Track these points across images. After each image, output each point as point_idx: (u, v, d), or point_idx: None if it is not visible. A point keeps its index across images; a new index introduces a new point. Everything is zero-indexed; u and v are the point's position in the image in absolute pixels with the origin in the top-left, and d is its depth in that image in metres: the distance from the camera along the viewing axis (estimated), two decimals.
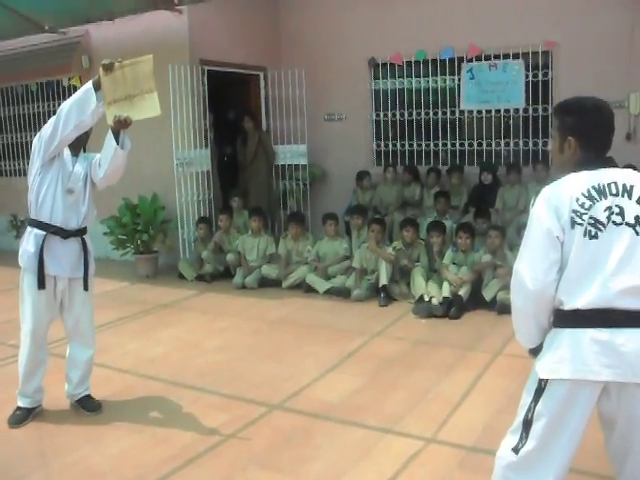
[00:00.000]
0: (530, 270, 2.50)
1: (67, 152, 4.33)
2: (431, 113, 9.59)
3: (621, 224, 2.44)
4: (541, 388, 2.53)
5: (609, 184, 2.49)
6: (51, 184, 4.25)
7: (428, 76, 9.54)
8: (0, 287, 8.27)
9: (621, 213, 2.45)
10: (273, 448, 3.98)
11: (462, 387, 4.79)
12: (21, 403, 4.49)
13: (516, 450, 2.62)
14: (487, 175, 8.62)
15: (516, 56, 8.82)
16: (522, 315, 2.64)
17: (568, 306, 2.46)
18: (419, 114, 9.68)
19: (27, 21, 9.02)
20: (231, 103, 10.43)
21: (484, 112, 9.23)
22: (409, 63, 9.60)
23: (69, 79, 10.07)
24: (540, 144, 8.88)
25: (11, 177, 11.61)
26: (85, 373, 4.60)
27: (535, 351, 2.65)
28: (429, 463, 3.73)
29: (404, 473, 3.64)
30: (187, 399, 4.75)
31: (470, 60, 9.13)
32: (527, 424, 2.59)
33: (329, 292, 7.54)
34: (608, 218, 2.45)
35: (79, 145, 4.35)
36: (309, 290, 7.69)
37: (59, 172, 4.26)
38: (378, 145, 10.04)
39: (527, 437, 2.58)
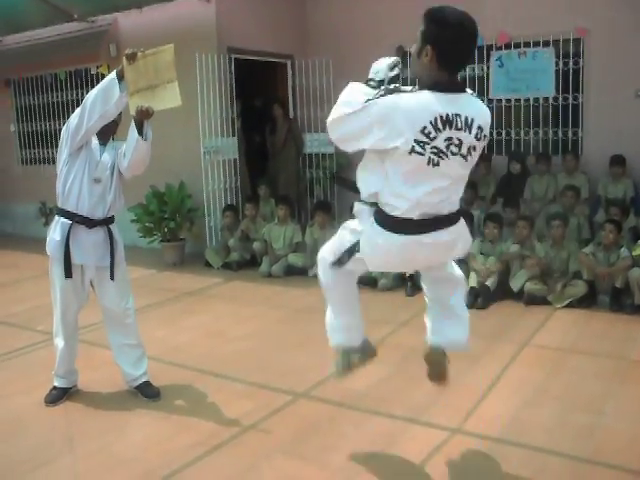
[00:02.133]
0: (338, 142, 3.12)
1: (95, 141, 4.34)
2: None
3: (456, 154, 2.79)
4: (354, 250, 3.10)
5: (455, 115, 2.73)
6: (78, 173, 4.26)
7: None
8: (29, 273, 8.40)
9: (459, 145, 2.78)
10: (298, 437, 3.98)
11: (489, 378, 4.76)
12: (57, 383, 4.61)
13: (340, 264, 3.22)
14: (516, 165, 8.51)
15: (546, 44, 8.68)
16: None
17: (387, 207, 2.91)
18: None
19: (56, 10, 9.09)
20: (258, 91, 10.43)
21: (513, 101, 9.12)
22: None
23: (97, 67, 10.14)
24: (570, 133, 8.76)
25: (40, 165, 11.73)
26: (132, 359, 4.62)
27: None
28: (455, 454, 3.71)
29: (429, 463, 3.62)
30: (212, 387, 4.77)
31: (499, 48, 9.01)
32: (351, 252, 3.13)
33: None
34: (447, 147, 2.75)
35: (107, 134, 4.36)
36: None
37: (86, 161, 4.28)
38: None
39: (349, 259, 3.15)
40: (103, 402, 4.59)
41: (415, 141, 2.70)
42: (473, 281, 6.71)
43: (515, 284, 6.68)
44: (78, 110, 4.14)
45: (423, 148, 2.71)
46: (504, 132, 9.22)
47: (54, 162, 4.42)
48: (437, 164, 2.76)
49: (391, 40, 9.62)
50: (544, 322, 6.06)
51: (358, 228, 3.08)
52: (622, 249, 6.45)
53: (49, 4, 8.89)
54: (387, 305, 6.75)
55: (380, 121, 2.71)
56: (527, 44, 8.81)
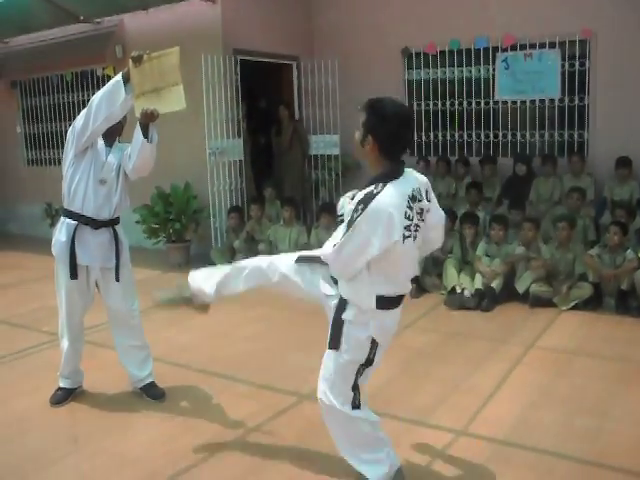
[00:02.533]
0: (345, 267, 3.00)
1: (101, 142, 4.34)
2: (465, 103, 9.48)
3: (423, 221, 3.04)
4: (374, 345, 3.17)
5: (416, 189, 2.98)
6: (84, 174, 4.27)
7: (462, 66, 9.43)
8: (35, 274, 8.41)
9: (422, 213, 3.03)
10: (303, 438, 3.98)
11: (494, 380, 4.75)
12: (62, 384, 4.63)
13: (357, 406, 3.25)
14: (521, 166, 8.50)
15: (552, 45, 8.67)
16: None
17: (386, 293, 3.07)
18: (453, 104, 9.58)
19: (62, 11, 9.11)
20: (264, 93, 10.43)
21: (519, 102, 9.11)
22: (443, 53, 9.50)
23: (103, 69, 10.16)
24: (576, 135, 8.74)
25: (46, 166, 11.75)
26: (137, 360, 4.63)
27: None
28: (460, 456, 3.70)
29: (434, 465, 3.62)
30: (217, 388, 4.77)
31: (505, 49, 9.01)
32: (355, 388, 3.25)
33: None
34: (419, 219, 3.01)
35: (113, 135, 4.36)
36: None
37: (92, 162, 4.28)
38: None
39: (360, 394, 3.25)
40: (108, 403, 4.59)
41: (404, 228, 2.92)
42: (478, 283, 6.71)
43: (520, 286, 6.66)
44: (84, 112, 4.15)
45: (409, 230, 2.95)
46: (510, 134, 9.21)
47: (60, 163, 4.43)
48: (415, 237, 3.02)
49: (396, 41, 9.66)
50: (549, 324, 6.04)
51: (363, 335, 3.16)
52: (628, 251, 6.43)
53: (55, 6, 8.91)
54: None
55: (374, 229, 2.85)
56: (533, 45, 8.80)
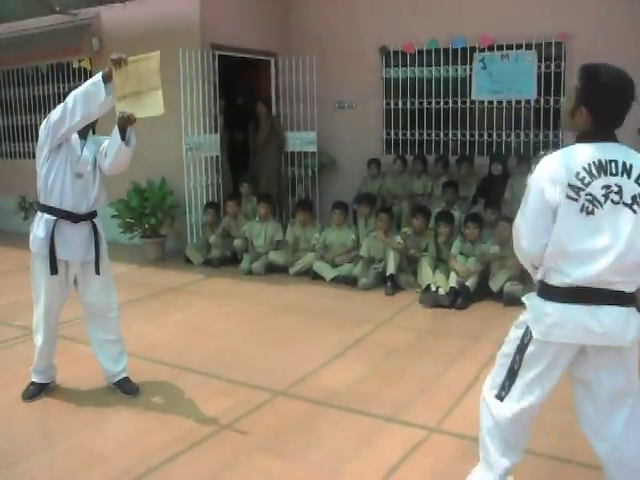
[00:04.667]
0: (529, 238, 2.70)
1: (75, 136, 4.30)
2: (442, 102, 9.53)
3: (618, 203, 2.57)
4: (524, 344, 2.79)
5: (610, 161, 2.59)
6: (60, 169, 4.24)
7: (440, 65, 9.49)
8: (8, 268, 8.33)
9: (619, 192, 2.57)
10: (277, 434, 3.99)
11: (467, 378, 4.78)
12: (35, 379, 4.59)
13: (500, 398, 2.90)
14: (497, 166, 8.56)
15: (529, 47, 8.74)
16: (522, 260, 2.90)
17: (558, 281, 2.67)
18: (430, 103, 9.62)
19: (38, 2, 9.02)
20: (241, 88, 10.40)
21: (495, 102, 9.18)
22: (421, 52, 9.54)
23: (79, 61, 10.05)
24: (551, 136, 8.83)
25: (20, 159, 11.62)
26: (112, 355, 4.61)
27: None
28: (433, 453, 3.73)
29: (407, 462, 3.64)
30: (192, 383, 4.76)
31: (482, 50, 9.07)
32: (512, 374, 2.86)
33: (336, 280, 7.54)
34: (605, 196, 2.57)
35: (87, 128, 4.32)
36: (316, 277, 7.69)
37: (67, 156, 4.25)
38: (388, 134, 10.00)
39: (510, 386, 2.86)
40: (81, 398, 4.56)
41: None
42: (453, 281, 6.75)
43: (495, 284, 6.72)
44: (60, 107, 4.11)
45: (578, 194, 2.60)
46: (486, 134, 9.28)
47: (34, 156, 4.39)
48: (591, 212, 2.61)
49: (374, 39, 9.70)
50: None
51: None
52: None
53: None
54: (367, 304, 6.77)
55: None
56: (510, 46, 8.87)
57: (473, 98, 9.30)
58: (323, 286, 7.49)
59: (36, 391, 4.55)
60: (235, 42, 9.26)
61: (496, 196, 8.15)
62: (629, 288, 2.66)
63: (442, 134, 9.58)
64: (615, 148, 2.66)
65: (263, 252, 8.19)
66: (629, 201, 2.58)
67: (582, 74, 2.71)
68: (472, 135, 9.41)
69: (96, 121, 4.36)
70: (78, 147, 4.30)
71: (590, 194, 2.56)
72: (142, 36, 8.83)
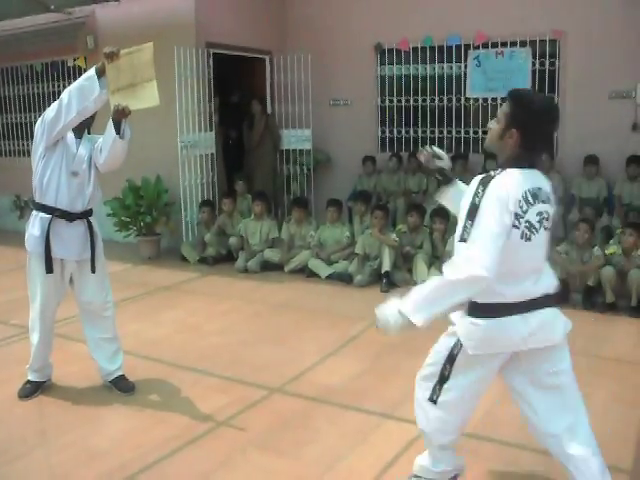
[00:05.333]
0: (487, 260, 2.61)
1: (70, 135, 4.31)
2: (437, 100, 9.56)
3: (548, 229, 2.80)
4: (454, 354, 2.93)
5: (539, 189, 2.76)
6: (55, 167, 4.24)
7: (434, 63, 9.50)
8: (3, 267, 8.32)
9: (548, 218, 2.79)
10: (272, 431, 4.00)
11: None
12: (31, 377, 4.59)
13: (433, 401, 3.04)
14: (491, 163, 8.57)
15: (523, 44, 8.78)
16: (455, 294, 2.73)
17: (490, 299, 2.74)
18: (424, 101, 9.65)
19: (33, 0, 8.99)
20: (236, 86, 10.41)
21: (490, 100, 9.19)
22: (415, 49, 9.56)
23: (74, 59, 10.03)
24: None
25: (15, 157, 11.60)
26: (108, 353, 4.61)
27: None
28: None
29: (403, 458, 3.66)
30: (188, 381, 4.77)
31: (477, 47, 9.09)
32: (442, 380, 2.99)
33: (331, 277, 7.56)
34: (539, 223, 2.75)
35: (82, 127, 4.33)
36: (311, 275, 7.71)
37: (63, 155, 4.26)
38: (383, 131, 10.01)
39: (441, 390, 3.00)
40: (77, 396, 4.57)
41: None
42: None
43: None
44: (55, 105, 4.11)
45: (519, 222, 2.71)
46: (480, 130, 9.30)
47: (29, 154, 4.39)
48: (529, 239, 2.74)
49: (369, 37, 9.71)
50: None
51: None
52: (595, 248, 6.53)
53: None
54: (362, 301, 6.78)
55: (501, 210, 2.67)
56: (504, 44, 8.90)
57: (468, 95, 9.33)
58: (318, 283, 7.51)
59: (32, 389, 4.55)
60: (230, 40, 9.25)
61: None
62: (552, 290, 2.86)
63: (437, 131, 9.61)
64: (539, 176, 2.83)
65: (258, 250, 8.20)
66: (550, 226, 2.82)
67: (515, 98, 2.80)
68: (467, 132, 9.44)
69: (92, 120, 4.37)
70: (74, 145, 4.31)
71: (528, 221, 2.71)
72: (137, 34, 8.79)
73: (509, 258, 2.68)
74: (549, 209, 2.79)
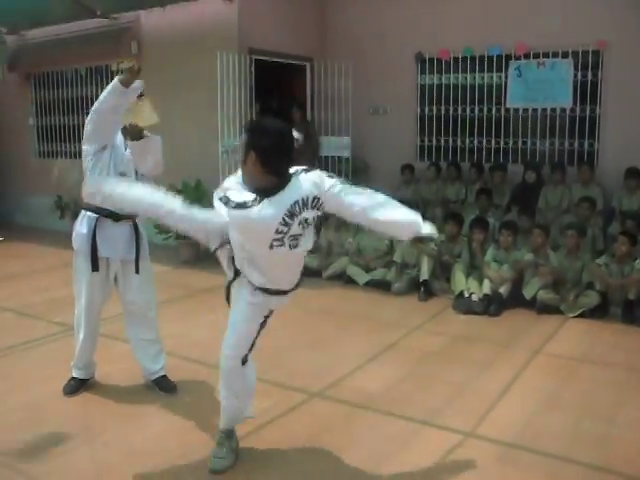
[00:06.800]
0: None
1: (120, 136, 4.42)
2: (476, 110, 9.54)
3: (309, 227, 3.33)
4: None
5: (295, 203, 3.18)
6: (104, 168, 4.33)
7: (475, 72, 9.49)
8: (44, 265, 8.46)
9: (307, 220, 3.27)
10: (313, 435, 4.03)
11: (501, 384, 4.81)
12: (75, 374, 4.69)
13: (245, 361, 3.71)
14: (531, 174, 8.55)
15: (565, 55, 8.73)
16: None
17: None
18: (464, 110, 9.64)
19: (79, 6, 9.18)
20: (277, 93, 10.49)
21: (530, 110, 9.16)
22: (456, 59, 9.55)
23: (117, 64, 10.17)
24: (586, 145, 8.79)
25: (58, 158, 11.79)
26: (150, 353, 4.69)
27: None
28: (468, 457, 3.75)
29: (443, 466, 3.67)
30: None
31: (518, 58, 9.06)
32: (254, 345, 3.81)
33: (369, 284, 7.58)
34: (302, 226, 3.25)
35: None
36: (349, 281, 7.73)
37: (111, 156, 4.35)
38: (422, 140, 10.01)
39: (252, 350, 3.79)
40: (120, 394, 4.65)
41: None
42: (486, 288, 6.75)
43: (528, 292, 6.71)
44: (88, 118, 4.29)
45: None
46: (520, 141, 9.27)
47: (71, 156, 4.51)
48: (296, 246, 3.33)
49: (409, 46, 9.72)
50: (556, 331, 6.10)
51: None
52: (636, 261, 6.48)
53: (73, 0, 8.98)
54: (401, 309, 6.81)
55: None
56: (546, 55, 8.86)
57: (508, 106, 9.29)
58: (356, 290, 7.53)
59: (76, 386, 4.65)
60: (272, 46, 9.35)
61: (530, 204, 8.14)
62: None
63: (476, 141, 9.59)
64: (292, 186, 3.28)
65: None
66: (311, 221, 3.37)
67: (250, 127, 3.28)
68: (506, 142, 9.40)
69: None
70: (122, 147, 4.41)
71: (292, 235, 3.29)
72: (180, 40, 8.98)
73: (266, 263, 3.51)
74: (306, 213, 3.28)
